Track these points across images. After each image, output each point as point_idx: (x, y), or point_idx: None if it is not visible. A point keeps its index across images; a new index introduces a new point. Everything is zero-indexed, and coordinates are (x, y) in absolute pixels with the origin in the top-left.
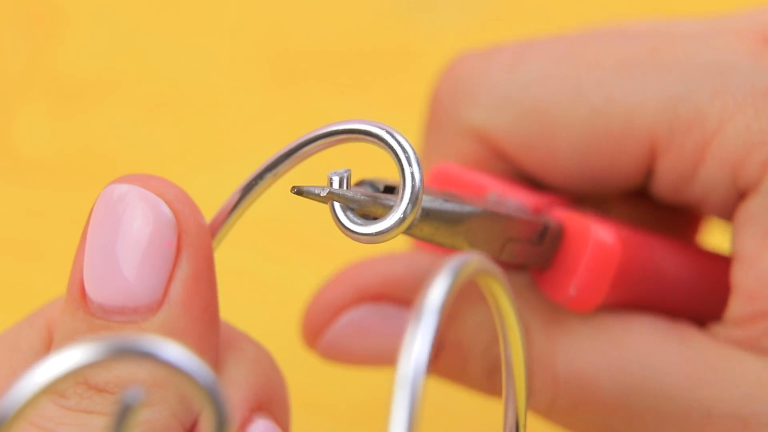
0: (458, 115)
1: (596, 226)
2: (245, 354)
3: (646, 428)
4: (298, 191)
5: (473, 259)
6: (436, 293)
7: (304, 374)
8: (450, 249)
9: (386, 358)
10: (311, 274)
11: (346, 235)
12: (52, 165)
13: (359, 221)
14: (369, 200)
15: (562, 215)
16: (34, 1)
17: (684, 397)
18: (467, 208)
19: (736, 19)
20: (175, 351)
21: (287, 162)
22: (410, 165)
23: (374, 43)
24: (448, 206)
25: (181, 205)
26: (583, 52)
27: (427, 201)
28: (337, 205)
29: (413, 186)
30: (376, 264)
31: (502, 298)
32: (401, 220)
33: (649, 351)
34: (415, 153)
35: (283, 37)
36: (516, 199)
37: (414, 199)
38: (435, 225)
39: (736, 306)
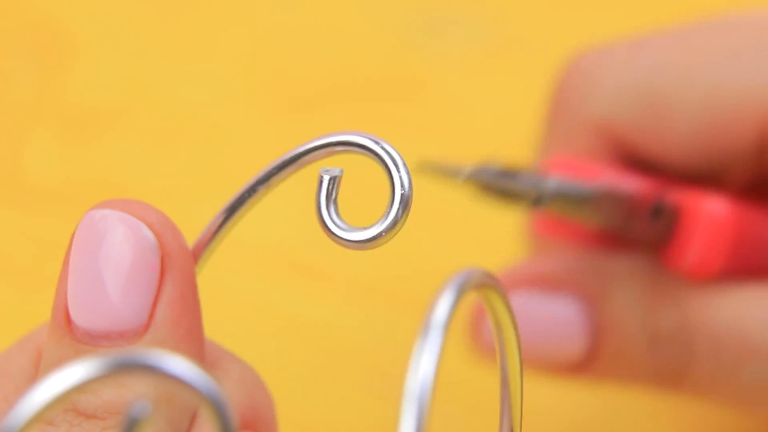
0: (583, 108)
1: (708, 197)
2: (230, 374)
3: None
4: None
5: (476, 274)
6: (441, 309)
7: (291, 396)
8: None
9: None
10: (297, 293)
11: (334, 241)
12: (61, 193)
13: (346, 227)
14: (508, 181)
15: (676, 195)
16: (43, 31)
17: None
18: (588, 188)
19: None
20: (178, 363)
21: (278, 176)
22: (398, 171)
23: (384, 72)
24: (572, 186)
25: (163, 229)
26: (693, 41)
27: (554, 182)
28: (323, 208)
29: (402, 192)
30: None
31: (502, 311)
32: (391, 226)
33: None
34: (402, 159)
35: (292, 66)
36: (628, 184)
37: (404, 205)
38: (564, 201)
39: None
